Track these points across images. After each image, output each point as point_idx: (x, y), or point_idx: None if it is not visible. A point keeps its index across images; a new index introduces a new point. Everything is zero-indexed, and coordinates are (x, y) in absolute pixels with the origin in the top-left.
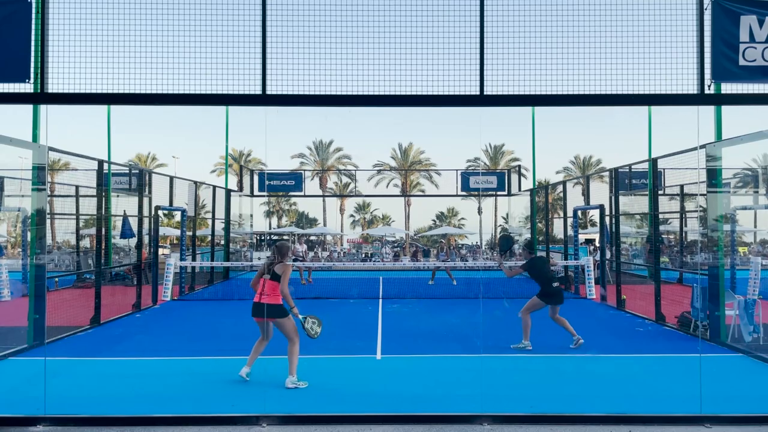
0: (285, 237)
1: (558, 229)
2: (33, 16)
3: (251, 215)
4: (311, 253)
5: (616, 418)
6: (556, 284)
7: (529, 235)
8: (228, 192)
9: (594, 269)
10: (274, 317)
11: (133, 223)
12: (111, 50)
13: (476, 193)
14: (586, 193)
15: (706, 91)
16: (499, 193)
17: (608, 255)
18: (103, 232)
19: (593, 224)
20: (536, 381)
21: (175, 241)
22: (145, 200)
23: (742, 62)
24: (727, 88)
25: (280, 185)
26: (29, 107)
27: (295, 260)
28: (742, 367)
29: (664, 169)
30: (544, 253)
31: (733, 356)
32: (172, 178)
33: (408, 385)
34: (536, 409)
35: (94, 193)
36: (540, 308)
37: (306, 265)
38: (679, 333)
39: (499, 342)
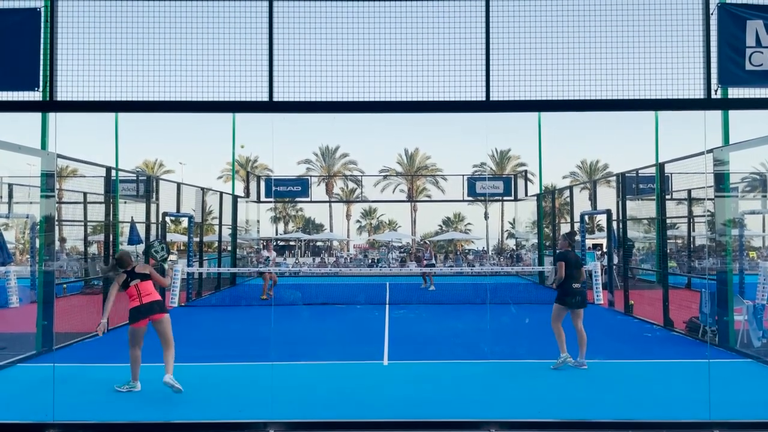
0: (291, 242)
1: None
2: (42, 24)
3: (258, 221)
4: (318, 259)
5: (623, 424)
6: (576, 285)
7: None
8: (235, 198)
9: (601, 274)
10: (163, 312)
11: (141, 229)
12: (119, 58)
13: (483, 198)
14: (593, 198)
15: (713, 96)
16: (505, 198)
17: (615, 260)
18: (111, 239)
19: (600, 229)
20: (543, 387)
21: (182, 248)
22: (153, 207)
23: (748, 67)
24: (734, 92)
25: (287, 191)
26: (38, 115)
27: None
28: (751, 373)
29: (671, 173)
30: (551, 258)
31: (742, 362)
32: (179, 185)
33: (415, 390)
34: (543, 415)
35: (102, 200)
36: (565, 313)
37: (272, 271)
38: (688, 338)
39: (507, 348)
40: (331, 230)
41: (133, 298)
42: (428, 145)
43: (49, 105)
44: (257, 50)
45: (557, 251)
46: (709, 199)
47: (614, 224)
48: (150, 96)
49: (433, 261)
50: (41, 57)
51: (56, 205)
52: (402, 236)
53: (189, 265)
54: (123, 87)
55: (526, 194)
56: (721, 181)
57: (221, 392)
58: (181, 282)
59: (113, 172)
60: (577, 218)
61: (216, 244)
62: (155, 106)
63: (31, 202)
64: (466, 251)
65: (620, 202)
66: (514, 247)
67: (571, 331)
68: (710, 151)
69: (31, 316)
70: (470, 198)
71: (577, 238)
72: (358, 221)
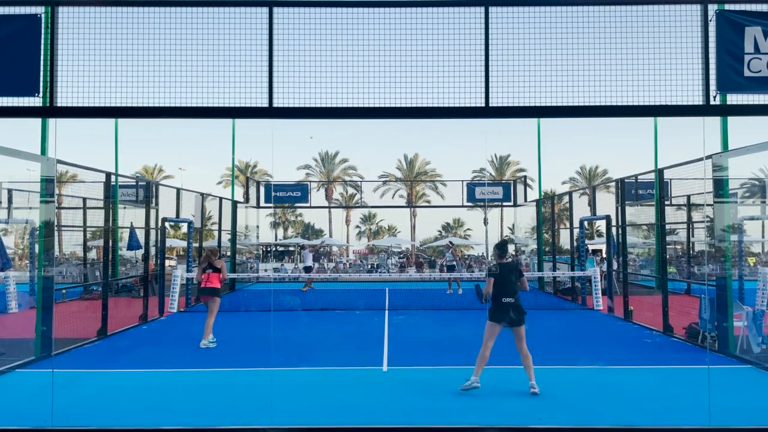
0: (291, 248)
1: (564, 239)
2: (42, 30)
3: (257, 226)
4: (317, 264)
5: (623, 430)
6: (507, 299)
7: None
8: (234, 203)
9: (601, 280)
10: (211, 295)
11: (140, 234)
12: (119, 64)
13: (482, 203)
14: (592, 204)
15: (712, 102)
16: (504, 203)
17: (615, 266)
18: (110, 244)
19: (600, 235)
20: (543, 393)
21: (181, 253)
22: (152, 212)
23: (747, 73)
24: (733, 98)
25: (286, 196)
26: (38, 120)
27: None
28: (750, 379)
29: (670, 179)
30: (550, 264)
31: (742, 368)
32: (178, 190)
33: (415, 396)
34: (544, 421)
35: (102, 205)
36: (496, 330)
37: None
38: (687, 344)
39: (506, 354)
40: (331, 236)
41: (203, 281)
42: (428, 150)
43: (49, 111)
44: (257, 56)
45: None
46: (708, 205)
47: (613, 230)
48: (150, 102)
49: (455, 263)
50: (41, 63)
51: (56, 210)
52: (401, 242)
53: (188, 271)
54: (123, 93)
55: (526, 200)
56: (720, 186)
57: (220, 398)
58: (181, 287)
59: (113, 178)
60: (576, 224)
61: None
62: (155, 111)
63: (30, 208)
64: (466, 257)
65: (619, 208)
66: (514, 253)
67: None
68: (709, 157)
69: (30, 321)
70: (470, 203)
71: (583, 244)
72: (357, 227)
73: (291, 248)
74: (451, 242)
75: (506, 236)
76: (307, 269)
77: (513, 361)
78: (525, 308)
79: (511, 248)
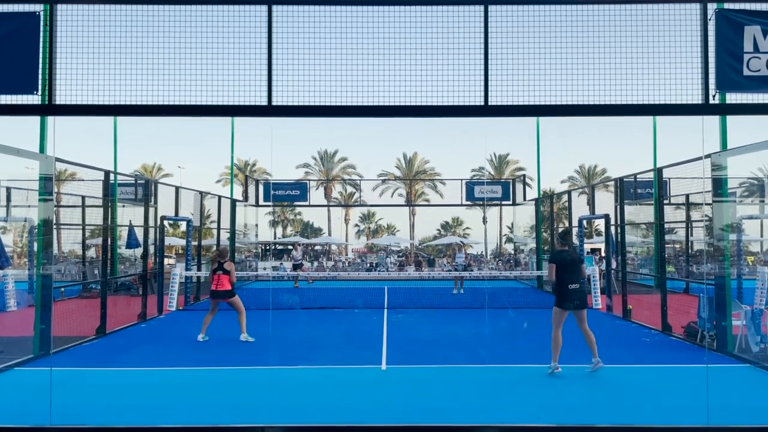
0: (290, 246)
1: None
2: (41, 28)
3: (256, 225)
4: (316, 263)
5: (622, 429)
6: (573, 286)
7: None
8: (233, 202)
9: (600, 279)
10: (227, 298)
11: (139, 233)
12: (119, 62)
13: (481, 202)
14: (591, 203)
15: (711, 101)
16: (504, 202)
17: (614, 264)
18: (109, 242)
19: (598, 234)
20: (542, 392)
21: (180, 251)
22: (151, 210)
23: (746, 72)
24: (732, 98)
25: (285, 195)
26: (37, 118)
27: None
28: (749, 378)
29: (669, 178)
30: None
31: (741, 367)
32: (177, 189)
33: (413, 395)
34: (542, 420)
35: (101, 204)
36: (564, 316)
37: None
38: (686, 343)
39: (505, 352)
40: (330, 234)
41: (213, 283)
42: (427, 149)
43: (48, 108)
44: (256, 54)
45: (552, 251)
46: (707, 204)
47: (612, 229)
48: (149, 100)
49: (465, 263)
50: (40, 61)
51: (54, 208)
52: (400, 240)
53: (187, 269)
54: (122, 91)
55: (525, 198)
56: (718, 186)
57: (219, 396)
58: (179, 286)
59: (112, 176)
60: (575, 223)
61: (214, 248)
62: (154, 109)
63: (29, 206)
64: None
65: (618, 207)
66: (512, 252)
67: (581, 336)
68: (708, 156)
69: (28, 319)
70: (469, 202)
71: (581, 243)
72: (356, 225)
73: (290, 247)
74: (462, 242)
75: (505, 234)
76: (296, 266)
77: (513, 360)
78: (525, 307)
79: (509, 247)
